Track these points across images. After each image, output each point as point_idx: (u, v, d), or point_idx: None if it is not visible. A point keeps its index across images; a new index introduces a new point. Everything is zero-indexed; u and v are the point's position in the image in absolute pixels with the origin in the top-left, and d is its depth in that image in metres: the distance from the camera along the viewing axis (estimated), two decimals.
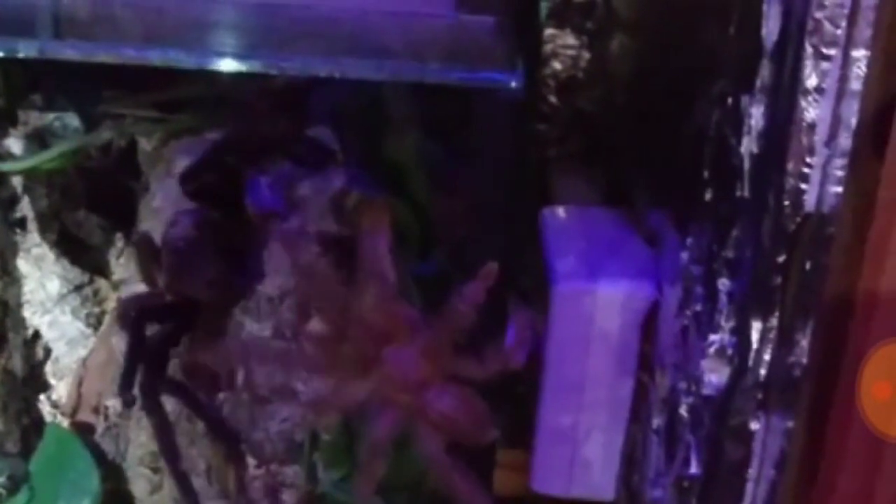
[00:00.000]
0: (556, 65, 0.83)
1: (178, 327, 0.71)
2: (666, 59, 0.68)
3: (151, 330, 0.72)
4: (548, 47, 0.82)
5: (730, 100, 0.53)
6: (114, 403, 0.79)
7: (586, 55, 0.83)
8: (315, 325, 0.64)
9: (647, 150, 0.71)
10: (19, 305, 0.86)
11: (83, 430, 0.80)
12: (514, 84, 0.59)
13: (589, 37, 0.83)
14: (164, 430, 0.72)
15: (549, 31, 0.82)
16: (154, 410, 0.71)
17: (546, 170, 0.83)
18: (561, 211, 0.72)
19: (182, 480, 0.74)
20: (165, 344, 0.71)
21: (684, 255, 0.60)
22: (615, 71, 0.79)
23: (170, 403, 0.73)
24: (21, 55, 0.66)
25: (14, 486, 0.79)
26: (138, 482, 0.78)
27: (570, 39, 0.83)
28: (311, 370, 0.63)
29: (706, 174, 0.56)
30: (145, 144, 0.82)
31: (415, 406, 0.63)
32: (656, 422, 0.63)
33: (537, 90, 0.83)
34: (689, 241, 0.59)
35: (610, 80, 0.80)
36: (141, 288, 0.74)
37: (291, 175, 0.71)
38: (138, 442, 0.76)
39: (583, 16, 0.82)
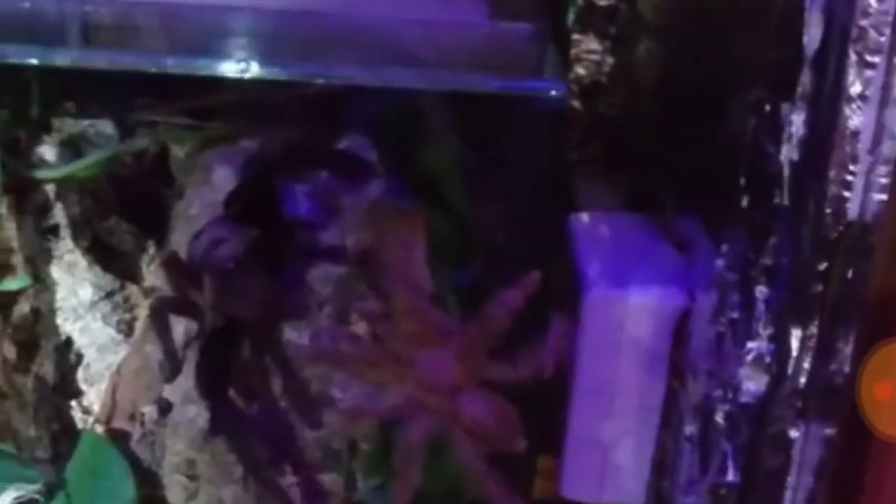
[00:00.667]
0: (580, 70, 0.83)
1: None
2: (694, 64, 0.68)
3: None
4: (571, 52, 0.82)
5: (767, 107, 0.53)
6: (149, 410, 0.79)
7: (609, 60, 0.83)
8: (351, 329, 0.65)
9: (675, 156, 0.71)
10: (51, 312, 0.86)
11: (118, 438, 0.80)
12: (554, 92, 0.59)
13: (612, 41, 0.83)
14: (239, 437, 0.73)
15: (571, 36, 0.82)
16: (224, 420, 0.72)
17: (569, 175, 0.83)
18: (590, 217, 0.72)
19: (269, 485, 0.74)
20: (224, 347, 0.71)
21: (719, 262, 0.59)
22: (640, 76, 0.79)
23: (207, 410, 0.73)
24: (53, 64, 0.66)
25: (50, 493, 0.79)
26: (174, 489, 0.78)
27: (594, 44, 0.83)
28: (349, 375, 0.64)
29: (742, 181, 0.56)
30: (178, 151, 0.83)
31: (447, 410, 0.63)
32: (689, 429, 0.63)
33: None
34: (724, 247, 0.59)
35: (634, 85, 0.80)
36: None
37: (329, 186, 0.71)
38: (174, 449, 0.76)
39: (606, 20, 0.82)
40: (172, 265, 0.73)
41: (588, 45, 0.82)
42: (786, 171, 0.51)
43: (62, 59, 0.64)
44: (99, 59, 0.65)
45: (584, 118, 0.84)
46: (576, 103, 0.84)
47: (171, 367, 0.74)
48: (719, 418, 0.58)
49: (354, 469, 0.74)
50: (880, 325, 0.49)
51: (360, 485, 0.74)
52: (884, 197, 0.47)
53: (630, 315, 0.65)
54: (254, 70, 0.62)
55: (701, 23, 0.67)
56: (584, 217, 0.72)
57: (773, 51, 0.52)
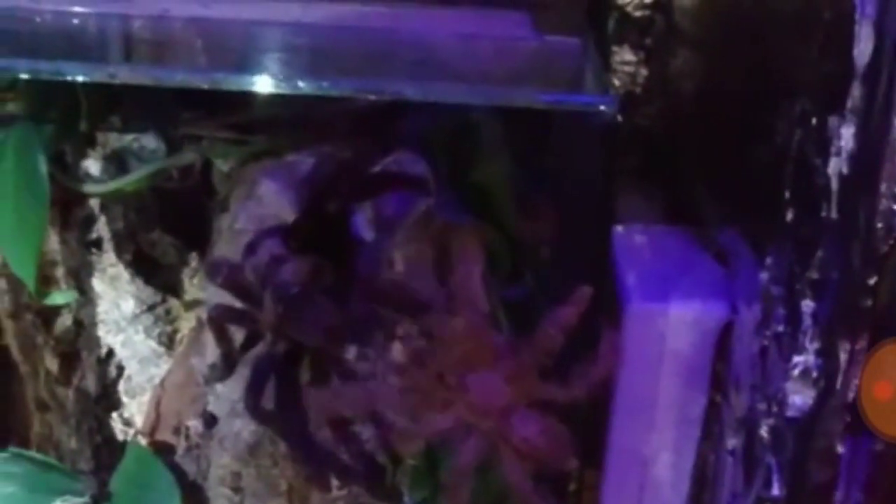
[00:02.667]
0: (615, 81, 0.83)
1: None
2: (733, 76, 0.67)
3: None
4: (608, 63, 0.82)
5: (814, 120, 0.53)
6: (194, 424, 0.79)
7: (644, 72, 0.83)
8: (400, 350, 0.65)
9: (716, 168, 0.70)
10: (94, 325, 0.87)
11: (163, 450, 0.80)
12: (605, 107, 0.59)
13: (647, 53, 0.83)
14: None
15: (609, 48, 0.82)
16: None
17: (612, 187, 0.83)
18: (631, 230, 0.72)
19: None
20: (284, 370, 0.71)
21: (763, 276, 0.59)
22: (677, 87, 0.79)
23: (253, 423, 0.73)
24: (99, 80, 0.66)
25: None
26: (219, 503, 0.78)
27: (629, 56, 0.83)
28: (395, 394, 0.63)
29: (787, 194, 0.56)
30: (221, 165, 0.83)
31: (498, 432, 0.63)
32: (731, 442, 0.63)
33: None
34: (768, 261, 0.59)
35: (670, 97, 0.80)
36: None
37: (383, 204, 0.71)
38: (219, 462, 0.77)
39: (641, 32, 0.82)
40: (231, 278, 0.73)
41: (623, 57, 0.82)
42: (834, 185, 0.51)
43: (110, 75, 0.64)
44: (146, 75, 0.65)
45: (619, 130, 0.84)
46: None
47: (225, 370, 0.74)
48: (764, 432, 0.58)
49: (399, 483, 0.74)
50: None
51: (406, 499, 0.74)
52: None
53: (671, 328, 0.64)
54: (302, 86, 0.62)
55: (741, 34, 0.67)
56: (626, 230, 0.72)
57: (820, 64, 0.52)
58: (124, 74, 0.62)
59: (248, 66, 0.64)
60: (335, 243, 0.71)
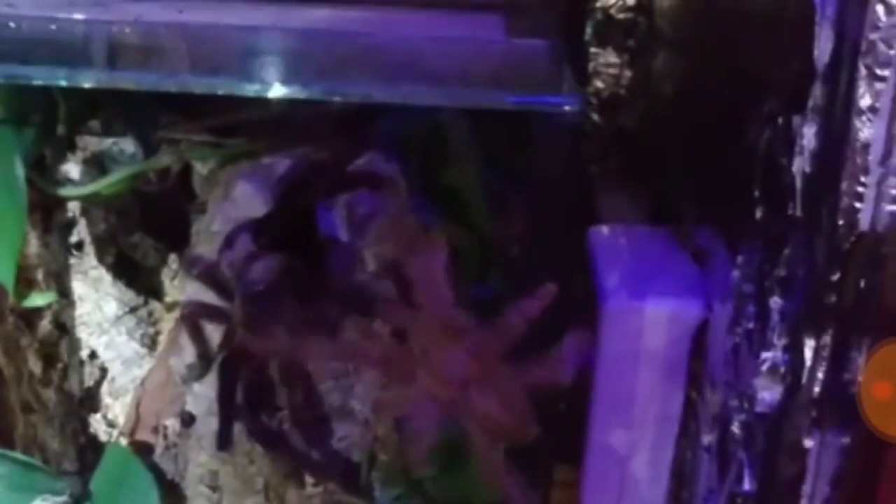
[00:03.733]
0: (598, 83, 0.84)
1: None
2: (710, 77, 0.68)
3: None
4: (590, 65, 0.83)
5: (780, 119, 0.53)
6: (172, 423, 0.79)
7: (628, 73, 0.84)
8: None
9: (693, 168, 0.71)
10: (77, 327, 0.87)
11: (142, 450, 0.81)
12: (570, 107, 0.59)
13: (631, 55, 0.83)
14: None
15: (591, 50, 0.82)
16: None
17: (589, 188, 0.83)
18: (609, 229, 0.73)
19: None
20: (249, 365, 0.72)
21: (735, 274, 0.60)
22: (658, 89, 0.79)
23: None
24: (78, 85, 0.67)
25: None
26: (197, 501, 0.78)
27: (612, 58, 0.83)
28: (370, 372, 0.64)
29: (756, 193, 0.57)
30: (200, 168, 0.83)
31: (459, 403, 0.63)
32: (707, 438, 0.63)
33: (579, 108, 0.83)
34: (739, 259, 0.59)
35: (653, 98, 0.80)
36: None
37: (353, 203, 0.72)
38: (197, 461, 0.77)
39: (625, 34, 0.82)
40: (207, 272, 0.73)
41: (607, 59, 0.83)
42: (799, 183, 0.51)
43: (89, 79, 0.65)
44: (125, 80, 0.65)
45: (603, 131, 0.85)
46: (595, 116, 0.85)
47: (201, 369, 0.75)
48: (736, 428, 0.59)
49: (373, 481, 0.74)
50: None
51: (378, 496, 0.74)
52: (895, 208, 0.47)
53: (647, 325, 0.65)
54: (274, 89, 0.62)
55: (716, 36, 0.67)
56: (604, 229, 0.72)
57: (785, 64, 0.53)
58: (89, 79, 0.62)
59: (220, 69, 0.64)
60: (307, 242, 0.72)
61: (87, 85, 0.64)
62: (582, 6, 0.79)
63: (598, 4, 0.81)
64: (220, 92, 0.64)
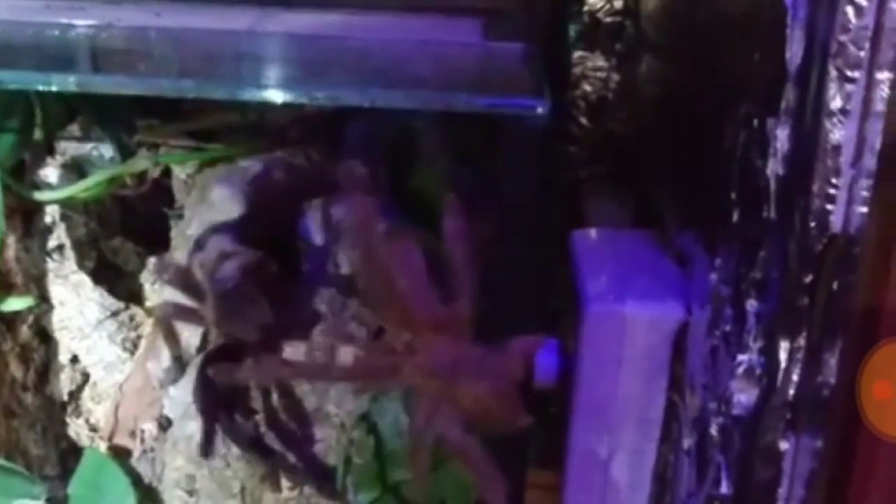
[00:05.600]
0: (586, 87, 0.84)
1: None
2: (693, 81, 0.68)
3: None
4: (577, 69, 0.83)
5: (755, 122, 0.53)
6: (149, 427, 0.79)
7: (616, 77, 0.84)
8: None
9: (676, 172, 0.71)
10: (58, 331, 0.87)
11: (120, 454, 0.81)
12: (540, 110, 0.59)
13: (618, 59, 0.83)
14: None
15: (578, 54, 0.82)
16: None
17: (577, 192, 0.83)
18: (592, 233, 0.73)
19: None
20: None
21: (713, 276, 0.60)
22: (644, 93, 0.79)
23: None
24: (59, 89, 0.67)
25: None
26: None
27: (600, 61, 0.83)
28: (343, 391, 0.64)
29: (733, 196, 0.57)
30: (179, 172, 0.83)
31: (447, 392, 0.63)
32: (687, 442, 0.63)
33: (567, 112, 0.83)
34: (717, 262, 0.59)
35: (637, 102, 0.81)
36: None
37: (326, 206, 0.72)
38: (174, 465, 0.77)
39: (612, 38, 0.83)
40: (178, 276, 0.73)
41: (595, 63, 0.83)
42: (772, 186, 0.51)
43: (66, 83, 0.65)
44: (101, 84, 0.65)
45: (592, 135, 0.85)
46: (583, 120, 0.85)
47: (176, 372, 0.75)
48: (714, 431, 0.59)
49: (348, 484, 0.74)
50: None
51: (354, 499, 0.74)
52: (866, 209, 0.47)
53: (629, 329, 0.65)
54: (248, 92, 0.62)
55: (697, 39, 0.67)
56: (586, 233, 0.73)
57: (759, 66, 0.53)
58: (68, 83, 0.62)
59: (195, 73, 0.64)
60: (282, 245, 0.72)
61: (56, 89, 0.64)
62: (563, 10, 0.80)
63: (586, 8, 0.82)
64: (191, 95, 0.64)
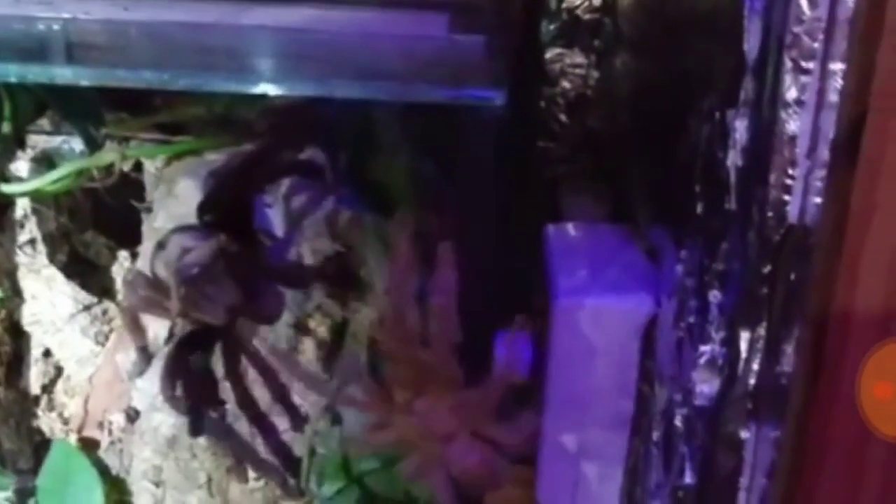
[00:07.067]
0: (565, 84, 0.84)
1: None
2: (666, 76, 0.68)
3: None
4: (556, 66, 0.83)
5: (717, 114, 0.54)
6: (117, 419, 0.80)
7: (594, 74, 0.84)
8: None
9: (649, 167, 0.71)
10: (31, 325, 0.87)
11: (89, 446, 0.81)
12: (497, 101, 0.59)
13: (597, 56, 0.83)
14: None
15: (557, 51, 0.82)
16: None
17: (555, 188, 0.83)
18: (564, 227, 0.73)
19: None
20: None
21: (679, 269, 0.60)
22: (619, 89, 0.80)
23: (172, 417, 0.74)
24: (33, 80, 0.67)
25: (21, 500, 0.80)
26: (142, 496, 0.78)
27: (579, 58, 0.83)
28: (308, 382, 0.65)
29: (697, 188, 0.57)
30: (150, 166, 0.83)
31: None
32: (656, 434, 0.64)
33: (547, 109, 0.83)
34: (683, 254, 0.60)
35: (615, 98, 0.81)
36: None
37: (289, 195, 0.72)
38: (141, 456, 0.77)
39: (591, 35, 0.83)
40: (138, 281, 0.74)
41: (573, 59, 0.83)
42: (732, 177, 0.52)
43: (35, 75, 0.65)
44: (69, 76, 0.65)
45: (571, 131, 0.85)
46: (562, 117, 0.85)
47: (143, 364, 0.75)
48: (678, 422, 0.59)
49: (313, 473, 0.74)
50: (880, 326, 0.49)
51: (319, 490, 0.74)
52: (821, 200, 0.47)
53: (600, 322, 0.65)
54: (215, 84, 0.62)
55: (667, 35, 0.68)
56: (559, 227, 0.73)
57: (720, 59, 0.53)
58: (42, 75, 0.62)
59: (166, 66, 0.64)
60: (241, 226, 0.72)
61: (14, 79, 0.64)
62: (537, 5, 0.80)
63: (565, 5, 0.82)
64: (168, 88, 0.64)
